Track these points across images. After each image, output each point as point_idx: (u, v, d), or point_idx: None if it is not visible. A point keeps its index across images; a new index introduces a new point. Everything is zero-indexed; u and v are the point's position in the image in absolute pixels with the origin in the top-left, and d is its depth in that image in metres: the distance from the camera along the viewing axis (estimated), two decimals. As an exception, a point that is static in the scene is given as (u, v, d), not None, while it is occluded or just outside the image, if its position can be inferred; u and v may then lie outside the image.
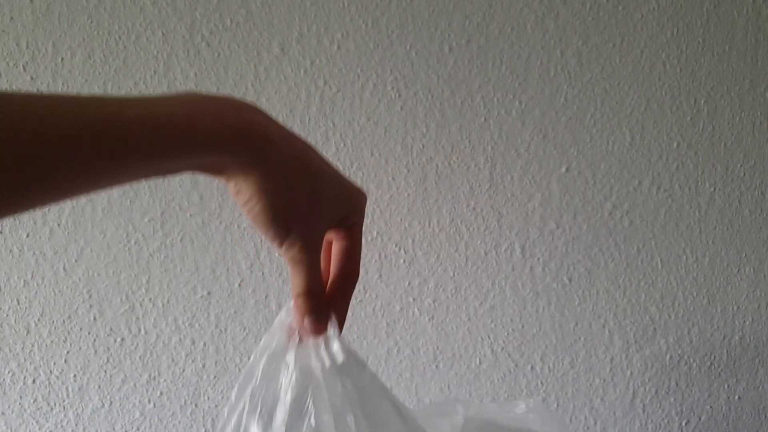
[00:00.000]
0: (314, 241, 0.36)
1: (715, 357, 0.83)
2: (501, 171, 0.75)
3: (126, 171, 0.28)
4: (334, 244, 0.40)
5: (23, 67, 0.69)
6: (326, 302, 0.38)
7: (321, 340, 0.38)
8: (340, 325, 0.39)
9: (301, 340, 0.39)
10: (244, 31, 0.71)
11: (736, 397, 0.85)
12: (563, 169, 0.76)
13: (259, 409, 0.39)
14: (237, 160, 0.31)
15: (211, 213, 0.73)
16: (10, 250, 0.72)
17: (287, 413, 0.38)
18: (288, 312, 0.40)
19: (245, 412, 0.39)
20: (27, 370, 0.75)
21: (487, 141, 0.75)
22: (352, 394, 0.38)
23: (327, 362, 0.38)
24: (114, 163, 0.27)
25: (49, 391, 0.76)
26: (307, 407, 0.38)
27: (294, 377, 0.38)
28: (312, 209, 0.35)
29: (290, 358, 0.39)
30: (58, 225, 0.72)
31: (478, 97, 0.74)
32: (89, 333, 0.75)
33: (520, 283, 0.78)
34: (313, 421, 0.38)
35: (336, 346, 0.38)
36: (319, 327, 0.38)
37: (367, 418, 0.37)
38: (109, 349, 0.75)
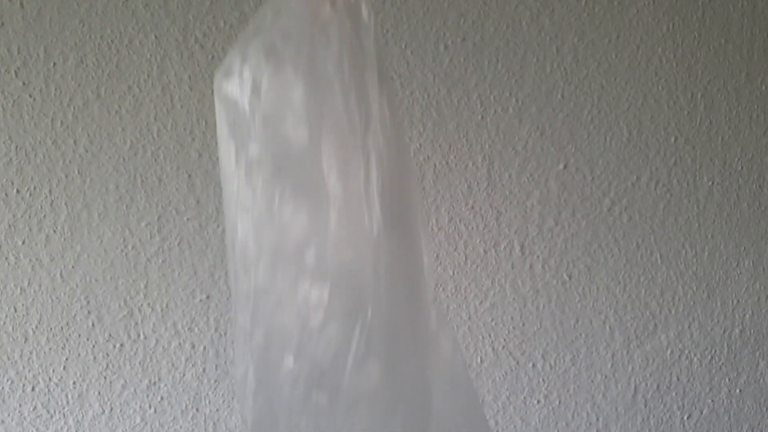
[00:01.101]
0: None
1: (715, 351, 0.83)
2: (499, 169, 0.75)
3: None
4: None
5: (15, 72, 0.68)
6: None
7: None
8: None
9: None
10: (238, 33, 0.70)
11: (737, 390, 0.85)
12: (561, 166, 0.76)
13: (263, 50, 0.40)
14: None
15: (209, 216, 0.73)
16: (6, 258, 0.72)
17: (287, 51, 0.39)
18: None
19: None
20: (26, 378, 0.75)
21: (484, 139, 0.74)
22: (348, 41, 0.39)
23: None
24: None
25: (49, 399, 0.75)
26: (306, 50, 0.39)
27: (300, 22, 0.40)
28: None
29: (304, 14, 0.40)
30: (54, 231, 0.72)
31: (475, 95, 0.73)
32: (88, 339, 0.74)
33: (520, 281, 0.78)
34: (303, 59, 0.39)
35: None
36: None
37: (352, 71, 0.39)
38: (108, 355, 0.75)
